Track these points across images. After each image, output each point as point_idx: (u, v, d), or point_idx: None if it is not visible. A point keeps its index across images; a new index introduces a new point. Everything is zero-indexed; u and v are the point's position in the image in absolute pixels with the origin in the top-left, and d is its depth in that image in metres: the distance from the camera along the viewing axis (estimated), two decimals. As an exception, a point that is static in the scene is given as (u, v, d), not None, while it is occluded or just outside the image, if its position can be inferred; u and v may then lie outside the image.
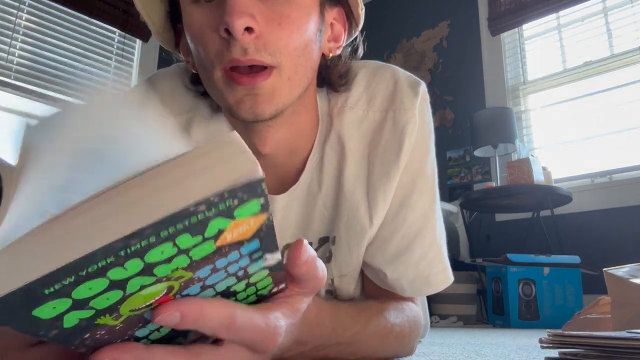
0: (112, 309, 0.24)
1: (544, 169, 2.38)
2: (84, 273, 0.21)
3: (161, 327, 0.29)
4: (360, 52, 0.70)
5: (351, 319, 0.57)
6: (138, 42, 3.36)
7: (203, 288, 0.28)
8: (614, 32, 2.68)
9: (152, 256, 0.22)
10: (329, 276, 0.68)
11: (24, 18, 2.85)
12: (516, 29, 3.03)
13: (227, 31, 0.50)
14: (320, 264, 0.34)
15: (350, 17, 0.65)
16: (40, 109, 2.90)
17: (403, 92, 0.65)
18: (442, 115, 3.25)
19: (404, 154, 0.63)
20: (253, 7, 0.51)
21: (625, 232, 2.38)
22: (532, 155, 2.46)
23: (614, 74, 2.65)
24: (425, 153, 0.66)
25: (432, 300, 2.34)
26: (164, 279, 0.24)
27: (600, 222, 2.47)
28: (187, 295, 0.28)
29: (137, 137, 0.24)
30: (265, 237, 0.27)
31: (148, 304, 0.26)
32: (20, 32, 2.82)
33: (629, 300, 0.68)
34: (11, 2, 2.80)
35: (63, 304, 0.22)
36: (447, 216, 2.68)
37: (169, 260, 0.23)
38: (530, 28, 3.01)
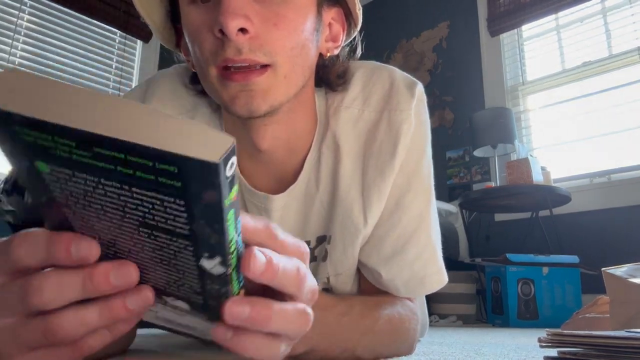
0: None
1: (543, 169, 2.38)
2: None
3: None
4: (359, 52, 0.71)
5: (327, 301, 0.58)
6: (139, 43, 3.36)
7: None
8: (613, 32, 2.69)
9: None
10: (324, 275, 0.68)
11: (25, 19, 2.85)
12: (515, 30, 3.03)
13: (222, 31, 0.50)
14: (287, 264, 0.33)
15: (349, 18, 0.65)
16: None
17: (399, 92, 0.65)
18: (442, 115, 3.25)
19: (398, 155, 0.63)
20: (248, 7, 0.51)
21: (624, 231, 2.38)
22: (531, 156, 2.47)
23: (613, 74, 2.65)
24: (421, 154, 0.66)
25: (431, 299, 2.34)
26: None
27: (599, 222, 2.47)
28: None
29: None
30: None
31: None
32: (22, 33, 2.82)
33: (628, 299, 0.68)
34: (12, 2, 2.80)
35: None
36: (447, 216, 2.68)
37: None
38: (529, 29, 3.01)
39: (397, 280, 0.66)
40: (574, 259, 2.14)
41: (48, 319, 0.30)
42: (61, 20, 2.99)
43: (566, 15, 2.86)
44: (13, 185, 1.74)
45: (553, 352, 0.49)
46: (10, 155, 0.25)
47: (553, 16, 2.90)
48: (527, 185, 2.27)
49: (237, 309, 0.30)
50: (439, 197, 2.47)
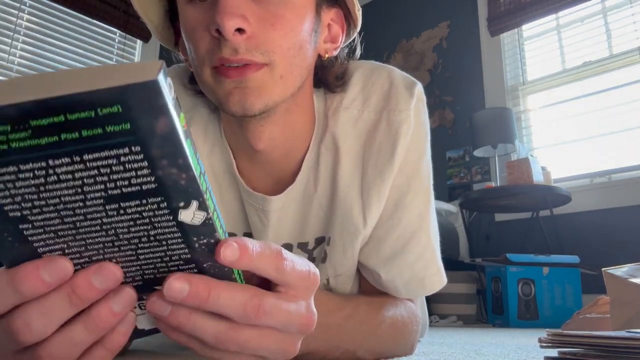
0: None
1: (543, 169, 2.38)
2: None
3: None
4: (358, 53, 0.71)
5: (335, 304, 0.57)
6: (138, 43, 3.37)
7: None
8: (613, 32, 2.69)
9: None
10: (324, 276, 0.68)
11: (24, 19, 2.85)
12: (515, 30, 3.03)
13: (218, 31, 0.50)
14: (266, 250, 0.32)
15: (348, 19, 0.65)
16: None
17: (398, 92, 0.65)
18: (442, 115, 3.25)
19: (398, 155, 0.63)
20: (245, 7, 0.51)
21: (625, 232, 2.38)
22: (531, 156, 2.47)
23: (613, 74, 2.65)
24: (421, 154, 0.66)
25: (431, 299, 2.34)
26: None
27: (600, 222, 2.47)
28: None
29: None
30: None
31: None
32: (21, 33, 2.82)
33: (628, 299, 0.68)
34: (12, 2, 2.80)
35: None
36: (447, 216, 2.68)
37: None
38: (529, 28, 3.01)
39: (397, 281, 0.66)
40: (574, 259, 2.14)
41: (37, 351, 0.29)
42: (61, 20, 2.99)
43: (566, 15, 2.86)
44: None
45: (553, 352, 0.49)
46: None
47: (553, 16, 2.90)
48: (527, 185, 2.27)
49: (177, 284, 0.29)
50: (439, 197, 2.47)
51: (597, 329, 0.91)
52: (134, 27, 3.23)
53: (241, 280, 0.34)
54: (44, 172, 0.24)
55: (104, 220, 0.27)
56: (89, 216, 0.26)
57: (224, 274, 0.31)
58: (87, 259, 0.29)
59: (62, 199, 0.25)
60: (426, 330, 0.97)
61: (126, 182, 0.25)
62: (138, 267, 0.31)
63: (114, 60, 3.22)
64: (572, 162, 2.69)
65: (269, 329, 0.32)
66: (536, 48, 2.97)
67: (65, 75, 0.22)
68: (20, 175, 0.24)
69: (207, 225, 0.28)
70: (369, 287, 0.70)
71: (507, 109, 2.70)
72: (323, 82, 0.66)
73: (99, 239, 0.28)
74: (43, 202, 0.25)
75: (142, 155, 0.24)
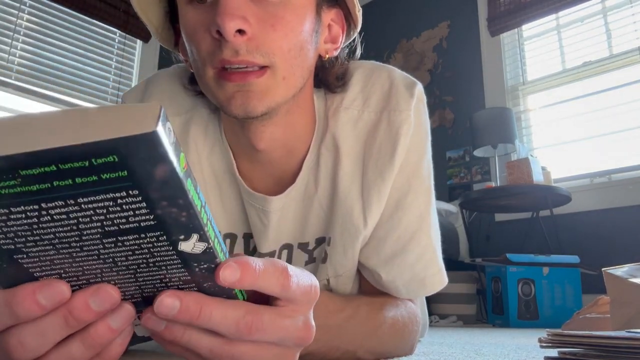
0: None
1: (543, 169, 2.38)
2: None
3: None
4: (358, 53, 0.70)
5: (336, 305, 0.57)
6: (138, 43, 3.37)
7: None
8: (613, 32, 2.69)
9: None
10: (324, 276, 0.68)
11: (24, 19, 2.85)
12: (515, 30, 3.03)
13: (219, 32, 0.50)
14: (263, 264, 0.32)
15: (349, 19, 0.65)
16: (41, 109, 2.90)
17: (399, 92, 0.65)
18: (442, 115, 3.25)
19: (398, 155, 0.63)
20: (246, 9, 0.51)
21: (625, 231, 2.38)
22: (531, 156, 2.47)
23: (613, 74, 2.65)
24: (421, 154, 0.66)
25: (431, 300, 2.34)
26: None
27: (600, 222, 2.47)
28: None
29: None
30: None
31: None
32: (21, 33, 2.82)
33: (628, 299, 0.68)
34: (12, 2, 2.80)
35: None
36: (447, 216, 2.68)
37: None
38: (529, 28, 3.01)
39: (397, 282, 0.66)
40: (574, 259, 2.14)
41: None
42: (61, 20, 2.99)
43: (566, 15, 2.86)
44: None
45: (553, 352, 0.49)
46: None
47: (553, 16, 2.89)
48: (528, 185, 2.27)
49: (167, 301, 0.29)
50: (439, 197, 2.47)
51: (597, 329, 0.91)
52: (134, 27, 3.23)
53: (243, 297, 0.33)
54: (36, 213, 0.23)
55: (101, 251, 0.26)
56: (85, 248, 0.26)
57: (224, 291, 0.31)
58: (85, 282, 0.29)
59: (57, 234, 0.24)
60: (426, 330, 0.97)
61: (124, 220, 0.24)
62: (137, 287, 0.30)
63: (114, 60, 3.22)
64: (572, 162, 2.69)
65: (265, 343, 0.32)
66: (536, 48, 2.97)
67: (56, 121, 0.21)
68: (12, 217, 0.23)
69: (208, 254, 0.28)
70: (369, 288, 0.70)
71: (507, 109, 2.70)
72: (323, 82, 0.66)
73: (96, 265, 0.28)
74: (37, 238, 0.24)
75: (140, 198, 0.23)
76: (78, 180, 0.21)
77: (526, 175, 2.29)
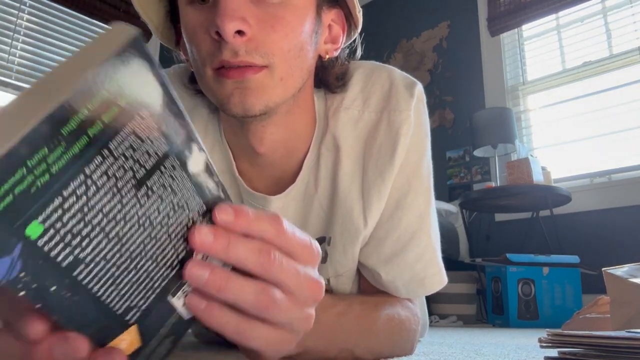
0: None
1: (543, 169, 2.38)
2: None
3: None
4: (359, 53, 0.71)
5: (328, 301, 0.57)
6: (138, 43, 3.37)
7: None
8: (613, 32, 2.69)
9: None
10: (324, 277, 0.68)
11: (24, 19, 2.85)
12: (515, 30, 3.03)
13: (218, 34, 0.50)
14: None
15: (349, 19, 0.65)
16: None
17: (399, 93, 0.65)
18: (442, 115, 3.25)
19: (398, 155, 0.63)
20: (245, 9, 0.51)
21: (625, 231, 2.38)
22: (531, 156, 2.47)
23: (613, 74, 2.65)
24: (421, 154, 0.66)
25: (431, 299, 2.34)
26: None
27: (600, 222, 2.47)
28: None
29: None
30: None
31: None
32: (21, 33, 2.82)
33: (628, 299, 0.68)
34: (12, 2, 2.81)
35: None
36: (447, 216, 2.68)
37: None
38: (529, 28, 3.01)
39: (397, 281, 0.66)
40: (574, 259, 2.14)
41: None
42: (61, 20, 3.00)
43: (566, 15, 2.86)
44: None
45: (553, 352, 0.49)
46: None
47: (553, 16, 2.90)
48: (528, 185, 2.27)
49: (197, 270, 0.30)
50: (439, 197, 2.48)
51: (597, 329, 0.91)
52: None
53: None
54: (84, 187, 0.22)
55: (139, 213, 0.26)
56: (127, 217, 0.25)
57: None
58: (133, 270, 0.27)
59: (104, 209, 0.23)
60: (426, 330, 0.97)
61: (146, 157, 0.25)
62: (174, 251, 0.30)
63: (114, 60, 3.23)
64: (572, 162, 2.69)
65: (278, 324, 0.33)
66: (536, 48, 2.98)
67: (54, 69, 0.21)
68: (65, 206, 0.21)
69: (210, 171, 0.30)
70: (368, 287, 0.70)
71: (507, 109, 2.70)
72: (323, 82, 0.66)
73: (139, 239, 0.26)
74: (89, 228, 0.23)
75: (149, 118, 0.25)
76: (104, 118, 0.22)
77: (526, 175, 2.29)
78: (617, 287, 0.70)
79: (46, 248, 0.21)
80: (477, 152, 2.71)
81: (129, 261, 0.26)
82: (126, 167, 0.24)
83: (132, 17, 3.15)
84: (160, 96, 0.25)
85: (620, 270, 0.72)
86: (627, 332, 0.47)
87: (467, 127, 3.00)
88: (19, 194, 0.18)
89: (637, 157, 2.47)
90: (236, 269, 0.31)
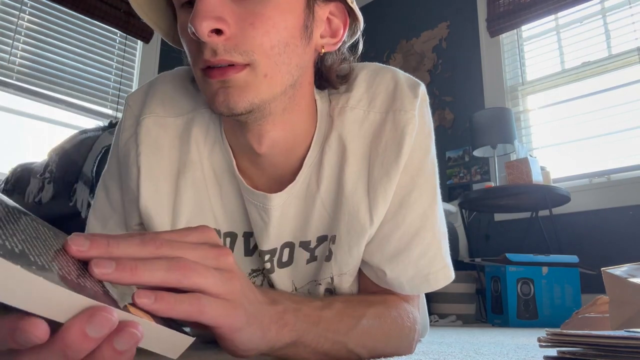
0: None
1: (542, 169, 2.39)
2: None
3: None
4: (360, 48, 0.71)
5: (307, 298, 0.58)
6: (139, 43, 3.37)
7: None
8: (612, 33, 2.69)
9: None
10: (328, 275, 0.68)
11: (25, 19, 2.85)
12: (515, 30, 3.04)
13: (195, 34, 0.51)
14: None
15: (351, 12, 0.64)
16: (41, 109, 2.90)
17: (403, 93, 0.66)
18: (442, 115, 3.26)
19: (403, 154, 0.64)
20: (223, 8, 0.52)
21: (624, 231, 2.39)
22: (530, 156, 2.47)
23: (612, 74, 2.66)
24: (425, 153, 0.67)
25: (431, 299, 2.35)
26: None
27: (599, 221, 2.48)
28: None
29: None
30: None
31: None
32: (22, 33, 2.82)
33: (627, 299, 0.68)
34: (13, 3, 2.81)
35: None
36: (447, 216, 2.68)
37: None
38: (529, 29, 3.01)
39: (402, 278, 0.66)
40: (573, 258, 2.14)
41: None
42: (61, 20, 3.00)
43: (566, 15, 2.86)
44: (14, 185, 1.74)
45: (553, 351, 0.50)
46: None
47: (553, 17, 2.90)
48: (527, 185, 2.28)
49: (102, 265, 0.32)
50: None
51: (596, 329, 0.92)
52: (134, 27, 3.23)
53: None
54: None
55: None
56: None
57: None
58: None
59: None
60: (427, 330, 0.97)
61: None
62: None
63: (115, 60, 3.23)
64: (571, 162, 2.70)
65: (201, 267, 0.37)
66: (535, 48, 2.98)
67: None
68: None
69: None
70: (368, 286, 0.70)
71: (506, 109, 2.70)
72: (325, 79, 0.66)
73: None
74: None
75: None
76: None
77: (525, 175, 2.29)
78: (616, 286, 0.70)
79: None
80: (477, 152, 2.71)
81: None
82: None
83: (132, 17, 3.15)
84: None
85: (619, 270, 0.72)
86: (626, 331, 0.48)
87: (466, 127, 3.00)
88: None
89: (636, 157, 2.47)
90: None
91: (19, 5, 2.83)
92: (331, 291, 0.70)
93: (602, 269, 0.73)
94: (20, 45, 2.81)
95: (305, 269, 0.70)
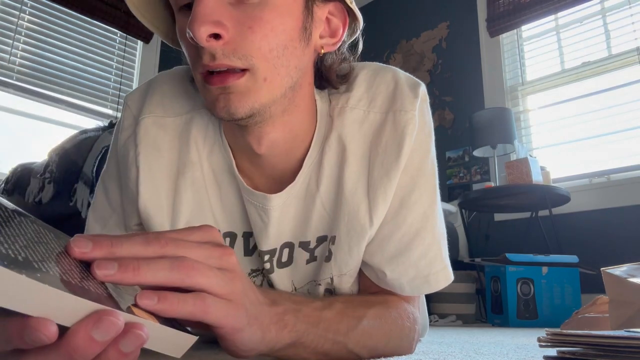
0: None
1: (542, 169, 2.39)
2: None
3: None
4: (360, 47, 0.70)
5: (307, 298, 0.58)
6: (139, 43, 3.37)
7: None
8: (612, 33, 2.70)
9: None
10: (328, 275, 0.68)
11: (25, 19, 2.85)
12: (515, 30, 3.04)
13: (193, 39, 0.51)
14: None
15: (350, 12, 0.64)
16: (41, 109, 2.90)
17: (403, 93, 0.66)
18: (442, 115, 3.26)
19: (403, 155, 0.64)
20: (221, 12, 0.51)
21: (623, 231, 2.39)
22: (530, 156, 2.47)
23: (612, 74, 2.66)
24: (425, 153, 0.67)
25: (431, 299, 2.35)
26: None
27: (599, 221, 2.48)
28: None
29: None
30: None
31: None
32: (22, 33, 2.82)
33: (627, 299, 0.68)
34: (13, 3, 2.81)
35: None
36: (446, 216, 2.68)
37: None
38: (528, 29, 3.01)
39: (402, 279, 0.66)
40: (573, 258, 2.14)
41: None
42: (61, 20, 3.00)
43: (565, 15, 2.87)
44: (14, 185, 1.74)
45: (552, 351, 0.50)
46: None
47: (552, 17, 2.90)
48: (527, 185, 2.28)
49: (104, 267, 0.32)
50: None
51: (596, 329, 0.92)
52: (135, 28, 3.23)
53: None
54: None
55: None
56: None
57: None
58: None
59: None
60: (426, 330, 0.97)
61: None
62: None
63: (115, 60, 3.23)
64: (571, 162, 2.70)
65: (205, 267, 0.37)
66: (535, 48, 2.98)
67: None
68: None
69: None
70: (368, 286, 0.70)
71: (506, 109, 2.70)
72: (325, 79, 0.66)
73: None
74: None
75: None
76: None
77: (525, 175, 2.29)
78: (615, 286, 0.70)
79: None
80: (477, 152, 2.71)
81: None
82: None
83: (132, 17, 3.14)
84: None
85: (619, 270, 0.72)
86: (625, 331, 0.48)
87: (466, 127, 3.00)
88: None
89: (636, 157, 2.47)
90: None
91: (19, 5, 2.83)
92: (331, 291, 0.70)
93: (602, 269, 0.73)
94: (20, 45, 2.81)
95: (305, 269, 0.69)
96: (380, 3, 3.72)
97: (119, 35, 3.25)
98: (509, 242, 2.70)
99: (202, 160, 0.67)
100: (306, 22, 0.58)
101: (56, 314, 0.27)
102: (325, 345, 0.55)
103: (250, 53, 0.53)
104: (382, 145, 0.65)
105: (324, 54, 0.64)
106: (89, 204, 1.47)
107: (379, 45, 3.66)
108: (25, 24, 2.85)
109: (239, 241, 0.70)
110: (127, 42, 3.29)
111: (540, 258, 2.12)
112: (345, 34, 0.64)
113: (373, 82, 0.67)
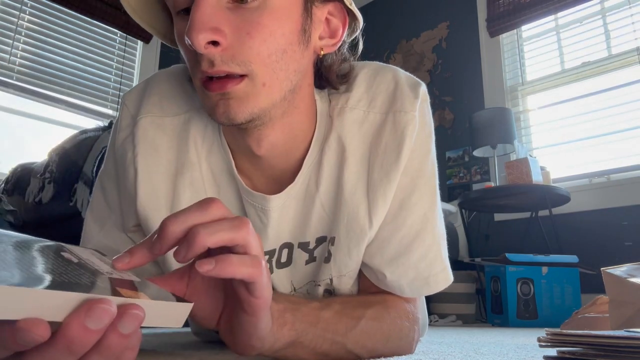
0: None
1: (542, 169, 2.39)
2: None
3: None
4: (360, 47, 0.70)
5: (305, 299, 0.58)
6: (139, 43, 3.37)
7: None
8: (612, 33, 2.70)
9: None
10: (327, 276, 0.68)
11: (25, 19, 2.85)
12: (515, 30, 3.04)
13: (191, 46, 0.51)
14: None
15: (350, 11, 0.63)
16: (41, 109, 2.90)
17: (404, 93, 0.65)
18: (441, 115, 3.26)
19: (403, 156, 0.63)
20: (219, 18, 0.51)
21: (624, 231, 2.39)
22: (530, 156, 2.47)
23: (612, 74, 2.66)
24: (425, 154, 0.67)
25: (431, 299, 2.35)
26: None
27: (599, 221, 2.48)
28: None
29: None
30: None
31: None
32: (22, 33, 2.82)
33: (627, 299, 0.68)
34: (13, 3, 2.81)
35: None
36: (446, 216, 2.68)
37: None
38: (528, 29, 3.01)
39: (402, 281, 0.66)
40: (573, 258, 2.14)
41: None
42: (61, 20, 3.00)
43: (565, 15, 2.87)
44: (14, 185, 1.74)
45: (552, 351, 0.50)
46: None
47: (552, 17, 2.90)
48: (527, 185, 2.28)
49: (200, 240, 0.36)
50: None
51: (596, 329, 0.92)
52: (134, 27, 3.23)
53: None
54: None
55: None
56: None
57: None
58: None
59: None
60: (426, 330, 0.97)
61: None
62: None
63: (115, 60, 3.22)
64: (571, 162, 2.70)
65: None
66: (535, 49, 2.98)
67: None
68: None
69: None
70: (368, 287, 0.70)
71: (506, 109, 2.70)
72: (325, 79, 0.66)
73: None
74: None
75: None
76: None
77: (525, 175, 2.29)
78: (615, 286, 0.70)
79: None
80: (477, 152, 2.71)
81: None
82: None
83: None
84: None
85: (619, 270, 0.72)
86: (625, 331, 0.48)
87: (466, 127, 3.00)
88: None
89: (636, 157, 2.47)
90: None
91: (19, 5, 2.83)
92: (330, 292, 0.69)
93: (601, 268, 0.73)
94: (20, 45, 2.81)
95: (304, 269, 0.69)
96: (380, 3, 3.72)
97: (119, 35, 3.25)
98: (509, 242, 2.70)
99: (201, 161, 0.67)
100: (305, 24, 0.58)
101: (44, 312, 0.27)
102: (324, 345, 0.55)
103: (249, 59, 0.53)
104: (382, 146, 0.64)
105: (324, 54, 0.63)
106: (89, 204, 1.46)
107: (379, 45, 3.66)
108: (25, 24, 2.85)
109: None
110: (127, 42, 3.29)
111: (540, 258, 2.12)
112: (345, 34, 0.64)
113: (373, 82, 0.67)
